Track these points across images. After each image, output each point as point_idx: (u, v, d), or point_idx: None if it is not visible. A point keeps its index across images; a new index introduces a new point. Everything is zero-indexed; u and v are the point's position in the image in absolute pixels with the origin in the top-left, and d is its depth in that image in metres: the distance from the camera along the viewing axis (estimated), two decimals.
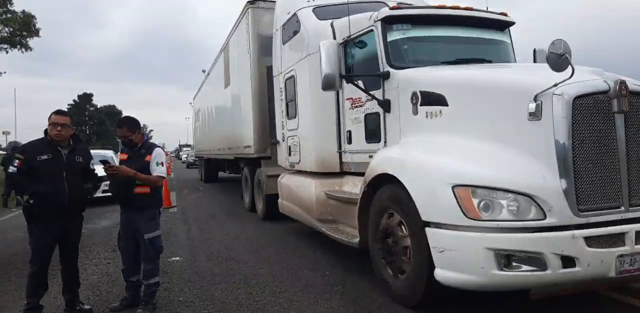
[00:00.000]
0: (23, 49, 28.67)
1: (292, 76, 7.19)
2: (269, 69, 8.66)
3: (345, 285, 5.17)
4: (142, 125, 5.20)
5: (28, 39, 28.72)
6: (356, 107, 5.75)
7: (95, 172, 4.69)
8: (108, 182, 4.72)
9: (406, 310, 4.34)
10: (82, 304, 4.55)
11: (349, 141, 5.98)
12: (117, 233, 4.86)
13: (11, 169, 4.17)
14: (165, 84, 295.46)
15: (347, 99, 5.97)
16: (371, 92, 5.25)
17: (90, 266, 6.28)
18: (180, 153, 66.31)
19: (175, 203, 13.26)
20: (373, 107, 5.39)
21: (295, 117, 7.22)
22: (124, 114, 69.38)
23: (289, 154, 7.58)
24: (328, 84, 5.07)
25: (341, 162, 6.28)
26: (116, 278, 5.47)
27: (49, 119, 4.28)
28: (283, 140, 7.88)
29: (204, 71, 22.66)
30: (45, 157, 4.16)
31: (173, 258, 6.61)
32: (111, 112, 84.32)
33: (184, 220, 10.34)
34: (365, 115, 5.58)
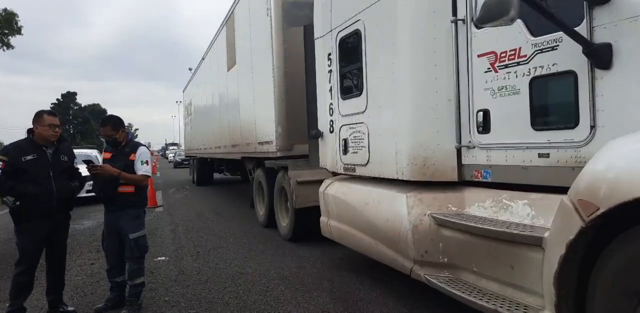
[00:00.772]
0: (4, 47, 28.27)
1: (355, 32, 4.44)
2: (307, 31, 5.92)
3: (333, 282, 4.92)
4: (127, 124, 4.49)
5: (10, 37, 28.29)
6: (505, 67, 3.05)
7: (79, 170, 4.49)
8: (92, 182, 4.51)
9: (395, 306, 4.13)
10: (65, 306, 4.34)
11: (483, 129, 3.28)
12: (102, 234, 4.62)
13: None
14: (151, 82, 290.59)
15: (480, 56, 3.25)
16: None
17: (74, 267, 5.94)
18: (167, 152, 63.16)
19: (161, 203, 12.65)
20: (554, 62, 2.73)
21: (359, 94, 4.45)
22: (109, 112, 67.11)
23: (344, 152, 4.80)
24: (495, 12, 2.36)
25: (460, 165, 3.56)
26: (101, 279, 5.25)
27: (43, 119, 4.08)
28: (331, 132, 5.12)
29: (190, 69, 20.48)
30: (30, 157, 4.01)
31: (159, 258, 6.30)
32: (95, 110, 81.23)
33: (169, 220, 9.76)
34: (531, 80, 2.89)
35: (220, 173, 17.08)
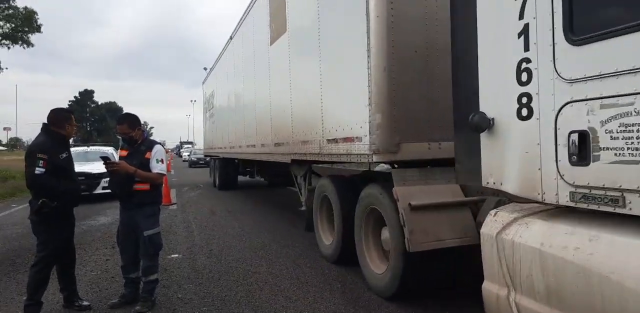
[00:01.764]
0: (25, 45, 28.14)
1: None
2: None
3: (345, 283, 4.93)
4: (142, 122, 4.69)
5: (29, 35, 28.22)
6: None
7: None
8: (108, 179, 4.63)
9: (405, 309, 4.09)
10: (80, 300, 4.38)
11: None
12: (117, 230, 4.63)
13: (38, 171, 3.82)
14: (167, 81, 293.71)
15: None
16: None
17: (89, 262, 6.02)
18: (181, 150, 63.48)
19: (175, 201, 12.51)
20: None
21: None
22: (125, 110, 67.66)
23: (575, 159, 2.22)
24: None
25: None
26: (115, 275, 5.30)
27: (72, 120, 4.24)
28: (526, 117, 2.54)
29: (205, 69, 20.17)
30: (64, 155, 4.08)
31: (172, 255, 6.31)
32: (112, 108, 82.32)
33: (183, 218, 9.69)
34: None
35: (244, 175, 14.86)
